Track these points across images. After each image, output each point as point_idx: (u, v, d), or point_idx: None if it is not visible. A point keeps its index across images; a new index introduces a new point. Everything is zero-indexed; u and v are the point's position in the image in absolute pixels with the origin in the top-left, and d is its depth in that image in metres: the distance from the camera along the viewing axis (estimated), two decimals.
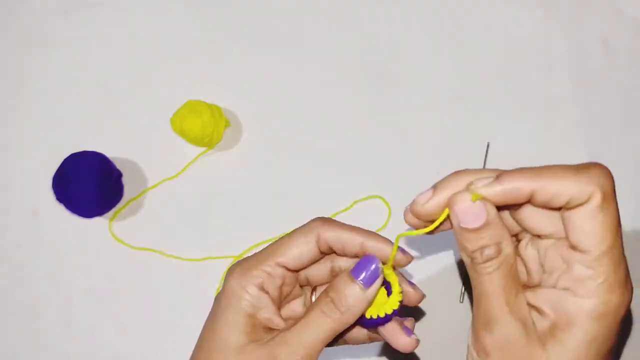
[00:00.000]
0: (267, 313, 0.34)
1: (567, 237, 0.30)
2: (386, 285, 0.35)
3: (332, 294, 0.33)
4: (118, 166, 0.55)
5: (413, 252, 0.51)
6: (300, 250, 0.35)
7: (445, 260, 0.54)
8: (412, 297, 0.36)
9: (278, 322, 0.35)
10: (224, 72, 0.60)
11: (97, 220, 0.55)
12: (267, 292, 0.34)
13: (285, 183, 0.57)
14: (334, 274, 0.37)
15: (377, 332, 0.36)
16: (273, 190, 0.57)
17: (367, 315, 0.34)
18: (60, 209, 0.53)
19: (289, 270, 0.35)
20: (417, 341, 0.35)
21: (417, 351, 0.51)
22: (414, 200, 0.34)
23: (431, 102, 0.60)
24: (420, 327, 0.53)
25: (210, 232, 0.56)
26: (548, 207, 0.31)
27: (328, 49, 0.61)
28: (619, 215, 0.31)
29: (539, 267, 0.31)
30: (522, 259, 0.32)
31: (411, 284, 0.37)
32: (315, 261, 0.36)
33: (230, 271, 0.35)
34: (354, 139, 0.59)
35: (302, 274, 0.37)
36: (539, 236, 0.31)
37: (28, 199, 0.56)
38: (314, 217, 0.37)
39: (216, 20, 0.62)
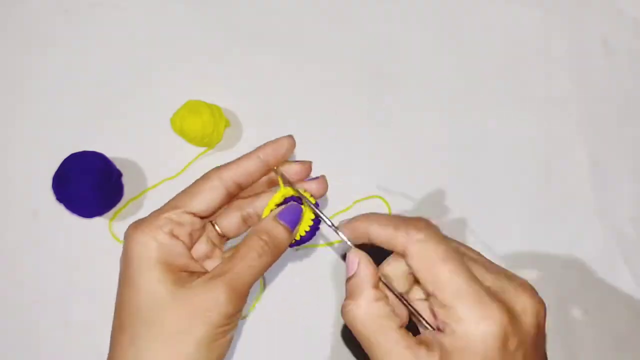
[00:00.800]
0: (184, 259, 0.34)
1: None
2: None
3: (266, 237, 0.35)
4: (118, 166, 0.55)
5: None
6: (209, 196, 0.36)
7: None
8: (318, 191, 0.39)
9: (195, 266, 0.35)
10: (224, 72, 0.60)
11: (97, 220, 0.55)
12: (178, 239, 0.35)
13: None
14: (247, 220, 0.39)
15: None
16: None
17: None
18: (60, 209, 0.53)
19: (197, 216, 0.36)
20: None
21: None
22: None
23: (431, 102, 0.60)
24: None
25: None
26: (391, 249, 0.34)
27: (328, 49, 0.61)
28: (448, 249, 0.32)
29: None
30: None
31: (314, 179, 0.40)
32: (222, 205, 0.37)
33: (131, 228, 0.34)
34: (354, 139, 0.59)
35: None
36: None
37: (28, 199, 0.56)
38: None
39: (216, 21, 0.62)
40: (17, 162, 0.58)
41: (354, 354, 0.53)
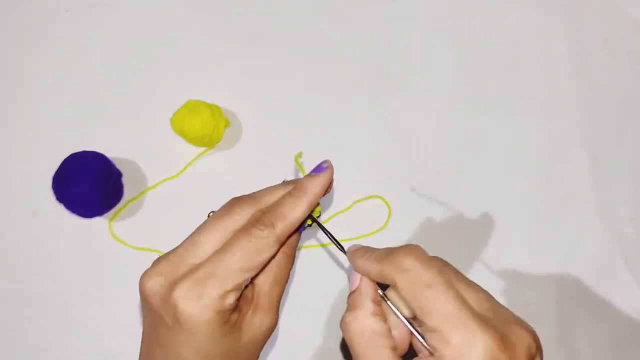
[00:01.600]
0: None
1: None
2: None
3: (289, 250, 0.36)
4: (118, 166, 0.55)
5: None
6: (266, 259, 0.34)
7: None
8: (320, 183, 0.37)
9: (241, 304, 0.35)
10: (224, 72, 0.60)
11: (97, 220, 0.55)
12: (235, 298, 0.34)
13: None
14: None
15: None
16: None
17: None
18: (60, 209, 0.53)
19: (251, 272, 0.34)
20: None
21: None
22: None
23: (431, 102, 0.60)
24: None
25: None
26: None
27: (328, 49, 0.61)
28: (435, 275, 0.31)
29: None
30: None
31: (316, 171, 0.37)
32: None
33: (191, 296, 0.32)
34: (354, 139, 0.59)
35: None
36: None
37: (28, 199, 0.56)
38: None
39: (216, 21, 0.62)
40: (17, 162, 0.58)
41: None
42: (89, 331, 0.53)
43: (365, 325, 0.32)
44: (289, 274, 0.36)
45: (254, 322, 0.35)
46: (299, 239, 0.37)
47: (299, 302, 0.54)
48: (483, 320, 0.29)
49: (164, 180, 0.57)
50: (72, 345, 0.53)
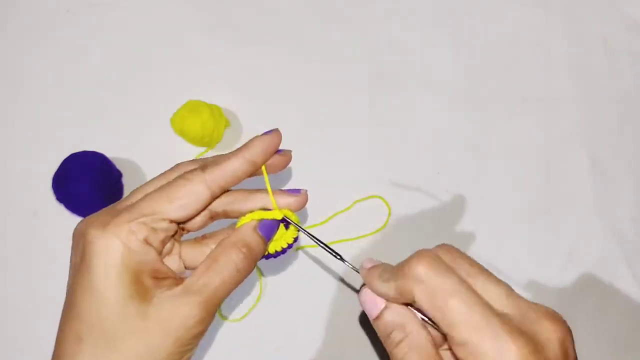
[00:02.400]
0: (154, 266, 0.31)
1: None
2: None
3: (246, 250, 0.32)
4: (118, 166, 0.55)
5: None
6: (192, 203, 0.32)
7: None
8: (296, 204, 0.36)
9: (163, 270, 0.32)
10: (224, 72, 0.60)
11: None
12: (151, 245, 0.31)
13: (285, 183, 0.57)
14: (214, 217, 0.36)
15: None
16: (273, 190, 0.57)
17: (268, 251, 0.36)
18: (60, 209, 0.53)
19: (174, 223, 0.33)
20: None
21: None
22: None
23: (431, 102, 0.60)
24: None
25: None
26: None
27: (328, 49, 0.61)
28: (454, 283, 0.29)
29: None
30: None
31: (293, 192, 0.37)
32: (203, 210, 0.34)
33: (97, 226, 0.31)
34: (354, 139, 0.59)
35: None
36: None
37: (28, 199, 0.56)
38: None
39: (216, 21, 0.62)
40: (17, 162, 0.58)
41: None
42: None
43: (424, 343, 0.30)
44: (237, 275, 0.32)
45: (170, 302, 0.30)
46: (264, 250, 0.35)
47: (297, 302, 0.54)
48: (512, 327, 0.28)
49: None
50: None
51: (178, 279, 0.32)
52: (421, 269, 0.29)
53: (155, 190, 0.32)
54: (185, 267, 0.36)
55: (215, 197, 0.34)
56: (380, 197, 0.56)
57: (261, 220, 0.35)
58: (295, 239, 0.37)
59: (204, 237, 0.38)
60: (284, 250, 0.37)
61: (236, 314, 0.53)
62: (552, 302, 0.54)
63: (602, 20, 0.63)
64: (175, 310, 0.30)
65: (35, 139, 0.58)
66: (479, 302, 0.28)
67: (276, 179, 0.57)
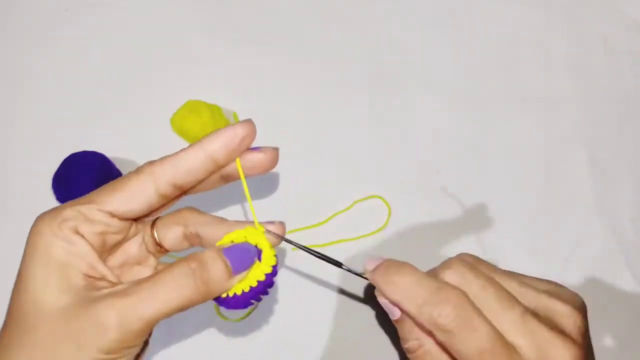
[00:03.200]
0: (87, 261, 0.28)
1: None
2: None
3: (199, 268, 0.28)
4: (118, 166, 0.55)
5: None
6: (135, 197, 0.30)
7: None
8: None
9: (103, 270, 0.28)
10: (224, 72, 0.60)
11: None
12: (82, 237, 0.29)
13: (285, 183, 0.57)
14: (189, 238, 0.33)
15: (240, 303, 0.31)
16: (273, 190, 0.57)
17: (229, 293, 0.29)
18: None
19: (116, 217, 0.30)
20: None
21: None
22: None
23: (431, 102, 0.60)
24: None
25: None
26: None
27: (328, 49, 0.61)
28: (479, 338, 0.30)
29: None
30: None
31: (255, 149, 0.33)
32: (155, 209, 0.31)
33: (38, 218, 0.29)
34: (354, 139, 0.59)
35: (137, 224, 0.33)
36: None
37: (28, 199, 0.56)
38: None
39: (216, 20, 0.62)
40: (17, 162, 0.58)
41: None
42: None
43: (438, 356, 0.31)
44: (183, 303, 0.27)
45: (89, 305, 0.26)
46: (225, 280, 0.29)
47: (298, 302, 0.54)
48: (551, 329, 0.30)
49: None
50: None
51: (115, 285, 0.28)
52: (445, 321, 0.29)
53: (107, 183, 0.30)
54: None
55: (167, 196, 0.30)
56: (380, 197, 0.56)
57: (229, 244, 0.30)
58: (272, 275, 0.30)
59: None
60: (256, 291, 0.29)
61: (236, 314, 0.53)
62: None
63: (602, 20, 0.63)
64: (91, 315, 0.26)
65: (35, 139, 0.58)
66: (498, 336, 0.29)
67: (268, 183, 0.57)
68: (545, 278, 0.41)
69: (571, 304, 0.32)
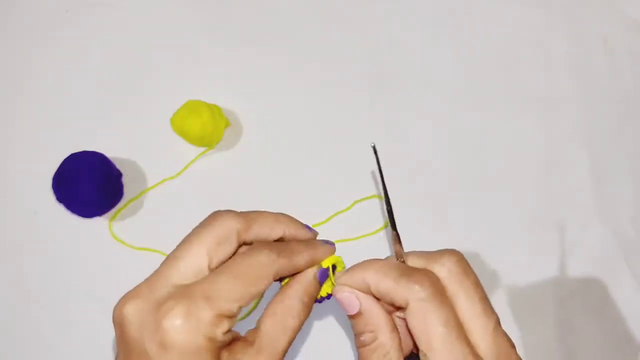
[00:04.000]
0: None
1: None
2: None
3: (307, 299, 0.34)
4: (118, 166, 0.55)
5: None
6: (262, 289, 0.32)
7: None
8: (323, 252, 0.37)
9: (233, 334, 0.31)
10: (224, 72, 0.60)
11: (97, 220, 0.55)
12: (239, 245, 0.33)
13: (285, 183, 0.57)
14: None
15: None
16: (273, 190, 0.57)
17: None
18: (60, 209, 0.53)
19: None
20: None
21: None
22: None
23: (431, 102, 0.60)
24: None
25: None
26: (388, 304, 0.33)
27: (328, 49, 0.61)
28: (449, 314, 0.31)
29: None
30: None
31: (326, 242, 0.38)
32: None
33: (179, 315, 0.28)
34: (354, 138, 0.59)
35: None
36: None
37: (28, 199, 0.56)
38: (284, 213, 0.37)
39: (216, 20, 0.62)
40: (17, 162, 0.58)
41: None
42: (89, 331, 0.53)
43: (395, 351, 0.32)
44: (301, 324, 0.33)
45: None
46: (318, 290, 0.35)
47: None
48: None
49: (164, 180, 0.57)
50: (72, 345, 0.53)
51: (243, 339, 0.32)
52: (425, 292, 0.30)
53: (232, 279, 0.31)
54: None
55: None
56: (380, 197, 0.56)
57: (320, 268, 0.36)
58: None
59: None
60: (328, 296, 0.37)
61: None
62: (552, 301, 0.54)
63: (602, 20, 0.63)
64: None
65: (35, 139, 0.58)
66: (466, 344, 0.30)
67: (269, 183, 0.58)
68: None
69: None
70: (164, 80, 0.60)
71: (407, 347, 0.34)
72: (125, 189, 0.56)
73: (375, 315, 0.33)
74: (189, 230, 0.38)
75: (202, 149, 0.57)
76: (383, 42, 0.62)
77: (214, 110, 0.55)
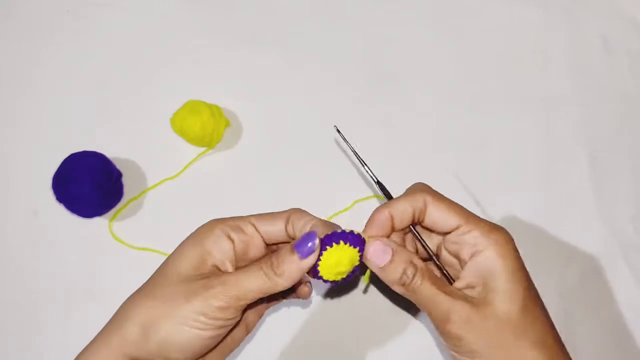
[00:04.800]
0: (223, 256, 0.38)
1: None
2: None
3: (274, 259, 0.37)
4: (118, 166, 0.55)
5: None
6: (271, 226, 0.39)
7: None
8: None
9: (228, 267, 0.38)
10: (224, 72, 0.60)
11: (97, 220, 0.55)
12: (231, 240, 0.38)
13: (285, 183, 0.57)
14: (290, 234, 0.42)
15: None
16: (273, 190, 0.57)
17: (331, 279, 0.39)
18: (60, 209, 0.53)
19: (259, 234, 0.40)
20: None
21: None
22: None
23: (431, 102, 0.60)
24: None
25: None
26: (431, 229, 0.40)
27: (328, 49, 0.61)
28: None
29: (456, 260, 0.40)
30: (445, 264, 0.41)
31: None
32: (281, 243, 0.41)
33: (212, 220, 0.39)
34: (353, 139, 0.58)
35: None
36: (445, 234, 0.39)
37: (28, 199, 0.56)
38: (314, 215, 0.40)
39: (216, 21, 0.62)
40: (17, 162, 0.58)
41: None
42: (89, 331, 0.53)
43: (430, 270, 0.38)
44: (263, 285, 0.37)
45: (204, 291, 0.36)
46: (296, 272, 0.37)
47: (296, 301, 0.54)
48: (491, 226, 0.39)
49: (164, 180, 0.57)
50: (72, 345, 0.53)
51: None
52: (427, 192, 0.39)
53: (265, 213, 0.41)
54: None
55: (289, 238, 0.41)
56: (380, 197, 0.56)
57: (298, 239, 0.37)
58: (355, 269, 0.40)
59: None
60: (347, 278, 0.40)
61: None
62: (553, 301, 0.54)
63: (602, 20, 0.63)
64: (202, 290, 0.36)
65: (35, 139, 0.58)
66: (469, 212, 0.39)
67: (269, 183, 0.58)
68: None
69: None
70: (164, 80, 0.60)
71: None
72: (125, 189, 0.56)
73: (405, 251, 0.38)
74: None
75: (202, 149, 0.57)
76: (383, 42, 0.62)
77: (214, 110, 0.55)
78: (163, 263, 0.39)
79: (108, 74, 0.60)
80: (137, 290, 0.39)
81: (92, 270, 0.55)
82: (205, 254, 0.38)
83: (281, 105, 0.59)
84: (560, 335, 0.38)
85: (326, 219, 0.40)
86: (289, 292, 0.44)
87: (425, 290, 0.37)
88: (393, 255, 0.37)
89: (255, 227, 0.39)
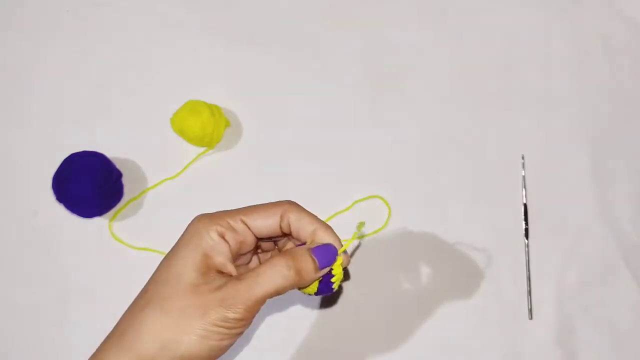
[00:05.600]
0: (223, 258, 0.37)
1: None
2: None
3: (293, 262, 0.36)
4: (118, 166, 0.55)
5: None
6: (264, 221, 0.38)
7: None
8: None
9: (231, 269, 0.37)
10: (224, 72, 0.60)
11: (97, 220, 0.55)
12: (227, 242, 0.37)
13: (285, 183, 0.57)
14: (283, 228, 0.41)
15: None
16: (273, 190, 0.57)
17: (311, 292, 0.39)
18: (60, 209, 0.53)
19: (251, 231, 0.39)
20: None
21: None
22: None
23: (431, 102, 0.60)
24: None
25: None
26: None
27: (328, 49, 0.61)
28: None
29: None
30: None
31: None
32: (273, 237, 0.40)
33: (197, 218, 0.38)
34: (354, 139, 0.59)
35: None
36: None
37: (28, 199, 0.56)
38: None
39: (216, 21, 0.62)
40: (17, 162, 0.58)
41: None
42: (89, 331, 0.53)
43: None
44: (280, 286, 0.37)
45: (211, 290, 0.35)
46: (312, 273, 0.37)
47: (296, 301, 0.54)
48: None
49: (164, 180, 0.57)
50: (72, 345, 0.53)
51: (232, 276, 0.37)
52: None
53: (250, 205, 0.39)
54: None
55: (283, 234, 0.40)
56: (380, 197, 0.56)
57: (317, 244, 0.38)
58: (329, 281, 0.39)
59: None
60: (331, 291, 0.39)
61: None
62: (552, 301, 0.54)
63: (602, 20, 0.63)
64: (210, 294, 0.35)
65: (35, 139, 0.58)
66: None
67: (269, 184, 0.58)
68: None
69: None
70: (163, 80, 0.60)
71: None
72: (125, 189, 0.56)
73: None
74: None
75: (202, 149, 0.57)
76: (383, 42, 0.62)
77: (214, 110, 0.55)
78: (161, 267, 0.38)
79: (108, 74, 0.60)
80: (142, 300, 0.37)
81: (92, 270, 0.55)
82: (205, 258, 0.37)
83: (281, 105, 0.59)
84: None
85: (323, 220, 0.40)
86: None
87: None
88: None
89: (246, 224, 0.39)
